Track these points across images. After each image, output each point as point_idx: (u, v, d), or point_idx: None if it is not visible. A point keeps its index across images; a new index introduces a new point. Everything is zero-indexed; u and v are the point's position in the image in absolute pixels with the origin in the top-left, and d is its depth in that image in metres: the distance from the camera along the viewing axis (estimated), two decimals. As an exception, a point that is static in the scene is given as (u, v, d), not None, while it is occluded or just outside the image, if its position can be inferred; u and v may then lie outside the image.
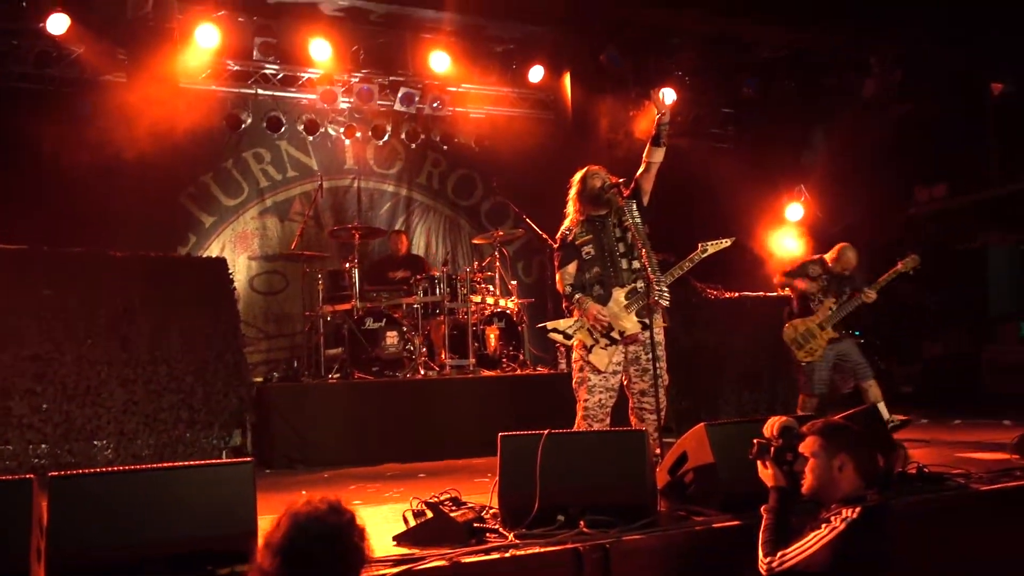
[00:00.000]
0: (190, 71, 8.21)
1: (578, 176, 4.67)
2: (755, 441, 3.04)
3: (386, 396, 6.67)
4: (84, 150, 7.42)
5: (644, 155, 4.63)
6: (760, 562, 2.85)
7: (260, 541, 2.07)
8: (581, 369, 4.50)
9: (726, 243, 4.64)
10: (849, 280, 6.51)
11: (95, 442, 5.48)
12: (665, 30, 9.20)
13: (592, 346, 4.45)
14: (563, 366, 7.31)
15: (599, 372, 4.43)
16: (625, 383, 4.55)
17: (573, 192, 4.66)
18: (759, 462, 3.02)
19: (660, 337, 4.45)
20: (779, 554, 2.79)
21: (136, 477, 2.93)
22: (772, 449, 2.98)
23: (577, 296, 4.50)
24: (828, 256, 6.60)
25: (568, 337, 4.53)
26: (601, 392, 4.44)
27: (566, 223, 4.70)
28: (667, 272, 4.57)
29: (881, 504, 2.83)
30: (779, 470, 2.96)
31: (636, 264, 4.50)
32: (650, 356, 4.36)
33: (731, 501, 3.50)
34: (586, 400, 4.45)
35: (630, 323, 4.43)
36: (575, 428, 4.48)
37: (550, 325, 4.63)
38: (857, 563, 2.67)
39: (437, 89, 9.20)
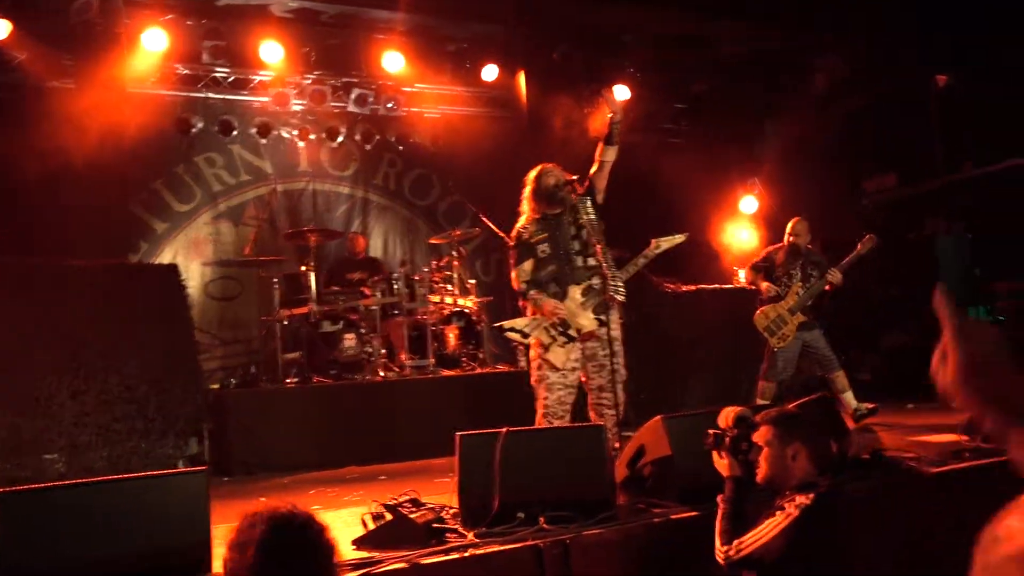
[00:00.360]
0: (138, 76, 8.06)
1: (532, 175, 4.68)
2: (710, 432, 3.07)
3: (345, 399, 6.62)
4: (30, 158, 7.23)
5: (597, 154, 4.65)
6: (717, 551, 2.89)
7: (230, 542, 2.01)
8: (540, 367, 4.51)
9: (680, 239, 4.68)
10: (815, 264, 6.61)
11: (45, 456, 5.36)
12: (617, 27, 9.25)
13: (550, 344, 4.46)
14: (523, 363, 7.30)
15: (557, 369, 4.44)
16: (583, 379, 4.56)
17: (527, 191, 4.68)
18: (714, 452, 3.05)
19: (616, 332, 4.48)
20: (735, 542, 2.82)
21: (84, 490, 2.87)
22: (727, 439, 3.01)
23: (532, 293, 4.51)
24: (786, 238, 6.70)
25: (525, 336, 4.54)
26: (560, 389, 4.46)
27: (521, 221, 4.71)
28: (622, 268, 4.59)
29: (833, 490, 2.88)
30: (734, 460, 2.99)
31: (591, 262, 4.53)
32: (607, 352, 4.39)
33: (689, 492, 3.54)
34: (546, 398, 4.46)
35: (587, 320, 4.45)
36: (536, 426, 4.49)
37: (507, 324, 4.63)
38: (812, 548, 2.71)
39: (391, 89, 9.16)
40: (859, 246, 6.53)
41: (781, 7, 8.83)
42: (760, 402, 6.32)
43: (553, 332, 4.47)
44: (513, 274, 4.65)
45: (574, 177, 4.58)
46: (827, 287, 6.50)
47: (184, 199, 8.68)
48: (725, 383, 7.56)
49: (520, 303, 4.68)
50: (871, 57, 9.57)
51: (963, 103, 9.62)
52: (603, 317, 4.44)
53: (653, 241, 4.64)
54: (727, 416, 3.10)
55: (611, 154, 4.62)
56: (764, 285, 6.57)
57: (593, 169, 4.66)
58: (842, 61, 9.70)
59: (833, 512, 2.82)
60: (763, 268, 6.71)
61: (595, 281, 4.50)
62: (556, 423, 4.42)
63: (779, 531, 2.71)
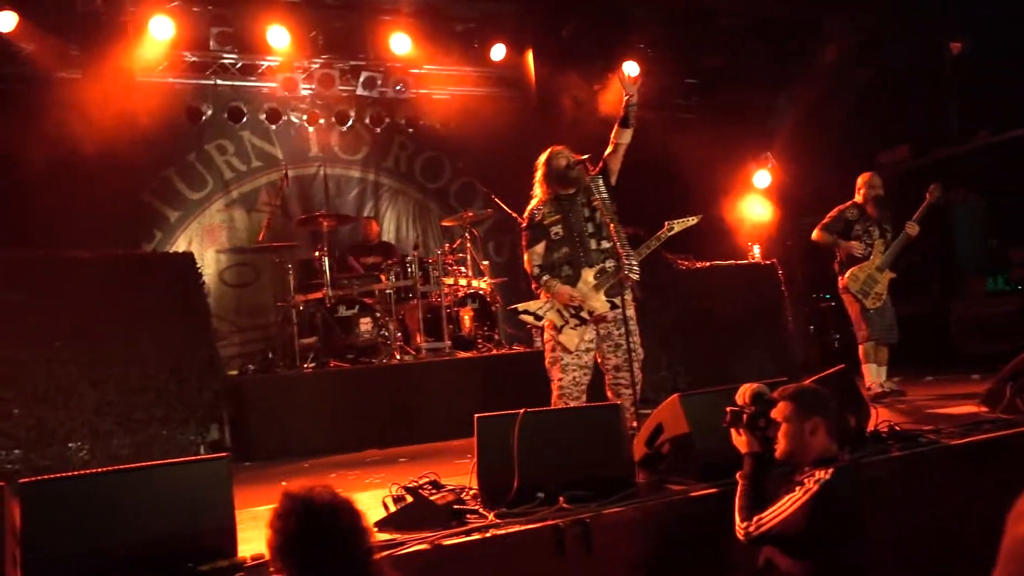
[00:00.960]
0: (146, 64, 8.07)
1: (543, 158, 4.66)
2: (727, 409, 3.07)
3: (363, 383, 6.65)
4: (41, 149, 7.27)
5: (612, 135, 4.63)
6: (737, 527, 2.89)
7: (272, 519, 2.05)
8: (553, 349, 4.51)
9: (693, 221, 4.66)
10: (883, 218, 6.42)
11: (69, 444, 5.42)
12: (625, 1, 9.16)
13: (562, 326, 4.47)
14: (538, 344, 7.33)
15: (571, 351, 4.45)
16: (599, 360, 4.57)
17: (539, 174, 4.66)
18: (732, 429, 3.05)
19: (631, 312, 4.48)
20: (755, 519, 2.83)
21: (108, 479, 2.89)
22: (745, 416, 3.01)
23: (545, 278, 4.50)
24: (857, 195, 6.48)
25: (539, 319, 4.55)
26: (575, 370, 4.46)
27: (534, 202, 4.69)
28: (636, 249, 4.58)
29: (852, 464, 2.88)
30: (752, 436, 3.00)
31: (605, 244, 4.52)
32: (621, 331, 4.39)
33: (708, 469, 3.54)
34: (560, 379, 4.47)
35: (599, 303, 4.46)
36: (551, 407, 4.50)
37: (520, 307, 4.64)
38: (831, 523, 2.71)
39: (399, 72, 9.13)
40: (928, 195, 6.31)
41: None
42: (866, 364, 6.27)
43: (566, 314, 4.47)
44: (526, 256, 4.64)
45: (585, 156, 4.56)
46: (907, 239, 6.32)
47: (196, 187, 8.71)
48: (742, 359, 7.55)
49: (533, 286, 4.68)
50: (882, 26, 9.45)
51: (977, 71, 9.48)
52: (616, 300, 4.44)
53: (666, 223, 4.63)
54: (744, 393, 3.09)
55: (626, 136, 4.59)
56: (852, 244, 6.31)
57: (608, 151, 4.64)
58: (852, 30, 9.57)
59: (853, 487, 2.82)
60: (839, 228, 6.43)
61: (608, 264, 4.50)
62: (572, 404, 4.43)
63: (799, 506, 2.72)
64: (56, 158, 7.28)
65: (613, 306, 4.43)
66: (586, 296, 4.45)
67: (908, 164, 10.26)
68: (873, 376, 6.24)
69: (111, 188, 7.69)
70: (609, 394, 4.56)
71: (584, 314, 4.45)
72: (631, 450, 3.69)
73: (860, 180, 6.49)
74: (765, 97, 10.30)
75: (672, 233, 4.62)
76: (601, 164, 4.62)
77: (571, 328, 4.45)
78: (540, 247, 4.58)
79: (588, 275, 4.48)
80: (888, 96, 10.00)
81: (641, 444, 3.90)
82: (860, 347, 6.35)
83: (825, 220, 6.54)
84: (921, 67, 9.89)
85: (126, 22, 7.74)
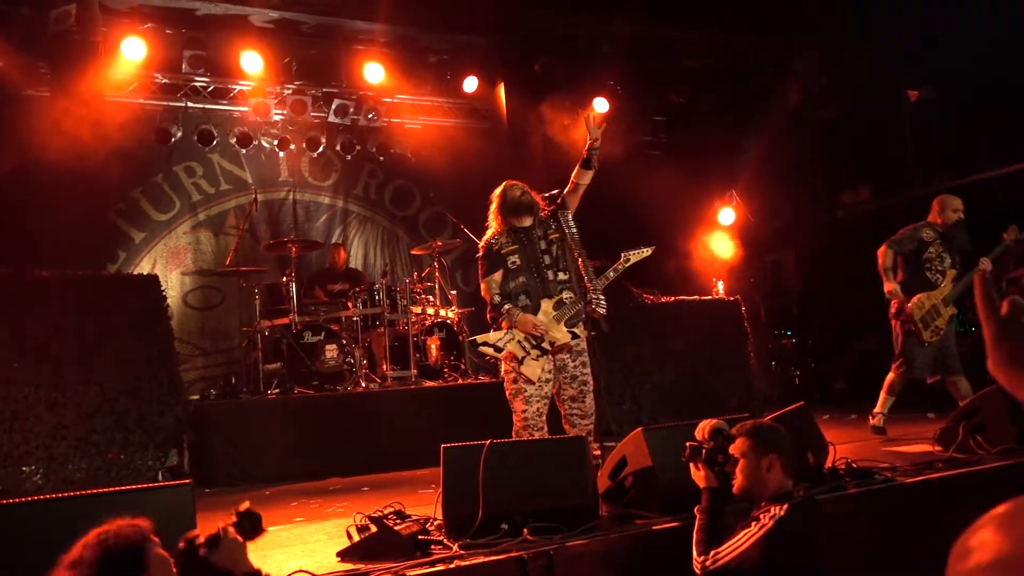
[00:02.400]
0: (117, 84, 8.05)
1: (497, 191, 4.71)
2: (687, 444, 3.12)
3: (327, 410, 6.60)
4: (5, 165, 7.19)
5: (573, 175, 4.68)
6: (695, 561, 2.93)
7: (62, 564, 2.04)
8: (515, 381, 4.51)
9: (647, 252, 4.72)
10: (958, 246, 5.95)
11: (23, 468, 5.31)
12: (594, 37, 9.34)
13: (524, 357, 4.48)
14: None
15: (533, 383, 4.46)
16: (554, 392, 4.59)
17: (493, 207, 4.70)
18: (691, 464, 3.10)
19: (583, 345, 4.55)
20: (712, 553, 2.87)
21: (67, 504, 2.85)
22: (704, 451, 3.06)
23: (506, 307, 4.51)
24: (935, 216, 5.98)
25: (499, 350, 4.54)
26: (538, 401, 4.48)
27: (489, 233, 4.73)
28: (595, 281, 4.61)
29: (808, 500, 2.93)
30: (710, 471, 3.04)
31: (562, 275, 4.58)
32: (577, 363, 4.46)
33: (671, 503, 3.58)
34: (524, 411, 4.47)
35: (560, 333, 4.49)
36: (513, 439, 4.50)
37: (479, 339, 4.63)
38: (786, 558, 2.76)
39: (372, 100, 9.19)
40: (1005, 236, 5.85)
41: (755, 16, 8.97)
42: (883, 395, 5.95)
43: (526, 345, 4.49)
44: (484, 285, 4.66)
45: (548, 194, 4.64)
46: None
47: (163, 208, 8.66)
48: (705, 393, 7.63)
49: (489, 315, 4.68)
50: (844, 70, 9.74)
51: (936, 116, 9.80)
52: (576, 331, 4.50)
53: (623, 254, 4.68)
54: (704, 428, 3.15)
55: (586, 178, 4.65)
56: (891, 287, 5.83)
57: (567, 189, 4.70)
58: (812, 72, 9.86)
59: (808, 522, 2.87)
60: (911, 248, 5.90)
61: (566, 295, 4.55)
62: (536, 435, 4.44)
63: (753, 542, 2.76)
64: (22, 176, 7.20)
65: (574, 336, 4.48)
66: (547, 326, 4.48)
67: (869, 205, 10.52)
68: (884, 407, 5.97)
69: (76, 207, 7.60)
70: (566, 426, 4.58)
71: (545, 344, 4.48)
72: (595, 482, 3.72)
73: (939, 202, 5.99)
74: (730, 135, 10.53)
75: (628, 264, 4.67)
76: (560, 201, 4.68)
77: (532, 359, 4.47)
78: (498, 275, 4.59)
79: (547, 306, 4.52)
80: (850, 138, 10.28)
81: (605, 476, 3.93)
82: (891, 374, 5.96)
83: (895, 236, 6.00)
84: (881, 111, 10.20)
85: (98, 42, 7.71)
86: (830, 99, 10.07)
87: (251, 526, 2.36)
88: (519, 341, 4.49)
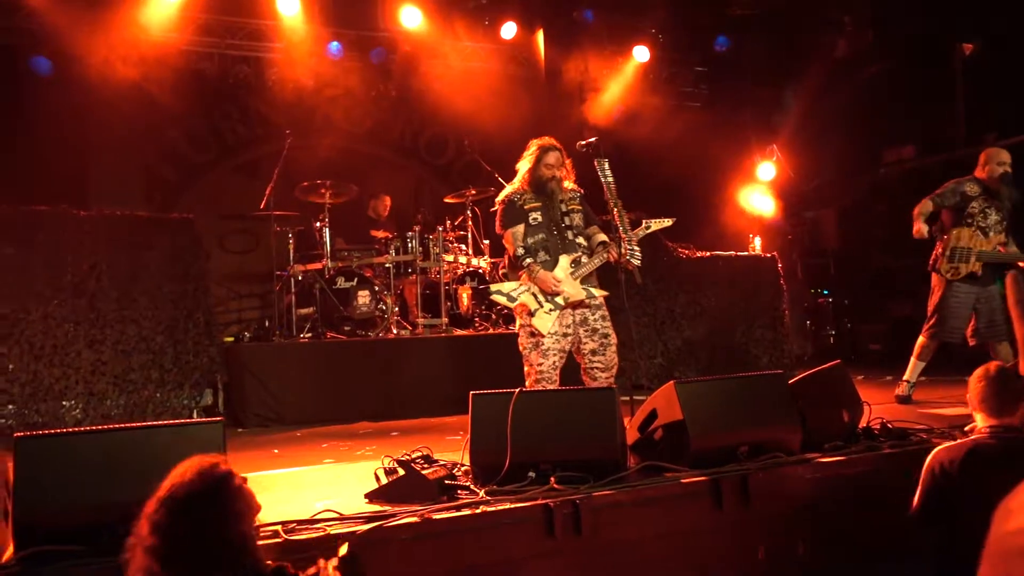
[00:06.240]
0: (155, 25, 8.01)
1: (533, 149, 4.62)
2: None
3: (358, 355, 6.66)
4: (46, 108, 7.23)
5: (600, 234, 4.62)
6: None
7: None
8: (532, 334, 4.50)
9: (667, 223, 4.65)
10: (1006, 199, 5.67)
11: (64, 402, 5.44)
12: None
13: (536, 310, 4.46)
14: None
15: (550, 335, 4.44)
16: (573, 347, 4.56)
17: (527, 164, 4.63)
18: None
19: (602, 300, 4.52)
20: None
21: (103, 437, 2.89)
22: None
23: (528, 261, 4.49)
24: (980, 170, 5.71)
25: (512, 300, 4.52)
26: (555, 355, 4.47)
27: (515, 184, 4.67)
28: (610, 246, 4.54)
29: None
30: None
31: (580, 240, 4.55)
32: (597, 316, 4.43)
33: (700, 457, 3.56)
34: (540, 364, 4.45)
35: (575, 290, 4.47)
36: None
37: (494, 287, 4.63)
38: None
39: (408, 45, 9.06)
40: None
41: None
42: (913, 361, 5.80)
43: (541, 298, 4.47)
44: (506, 234, 4.62)
45: (591, 140, 4.56)
46: (1021, 263, 5.62)
47: (200, 151, 8.67)
48: (738, 350, 7.58)
49: (501, 266, 4.67)
50: (893, 23, 9.41)
51: (988, 72, 9.44)
52: (591, 288, 4.47)
53: (644, 221, 4.61)
54: None
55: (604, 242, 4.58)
56: (921, 227, 5.58)
57: (594, 226, 4.65)
58: (865, 26, 9.54)
59: None
60: (954, 202, 5.67)
61: (583, 256, 4.52)
62: (549, 387, 4.43)
63: None
64: (62, 118, 7.23)
65: (589, 294, 4.46)
66: (563, 283, 4.45)
67: (913, 164, 10.24)
68: (912, 374, 5.82)
69: (114, 148, 7.66)
70: (585, 379, 4.56)
71: (559, 299, 4.45)
72: (623, 434, 3.70)
73: (986, 155, 5.72)
74: (773, 89, 10.27)
75: (648, 231, 4.61)
76: (598, 148, 4.57)
77: (545, 312, 4.45)
78: (520, 228, 4.57)
79: (565, 262, 4.49)
80: (896, 95, 9.97)
81: (634, 429, 3.92)
82: (921, 337, 5.80)
83: (939, 190, 5.76)
84: (931, 67, 9.86)
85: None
86: (879, 54, 9.74)
87: (352, 572, 2.33)
88: (533, 294, 4.47)
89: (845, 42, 9.92)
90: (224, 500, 2.09)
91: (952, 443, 2.95)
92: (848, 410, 4.11)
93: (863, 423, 4.21)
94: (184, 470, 2.12)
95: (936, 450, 2.94)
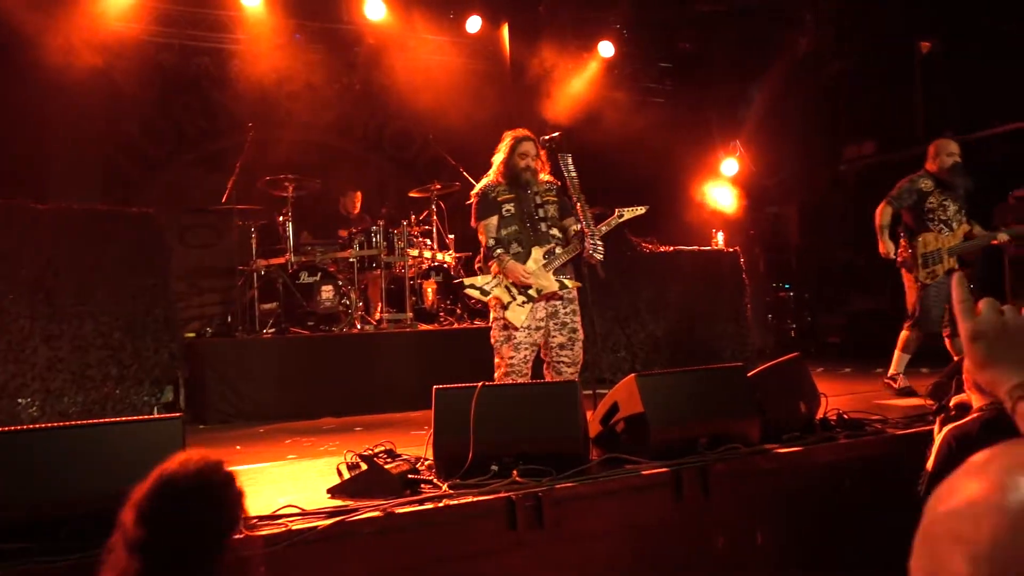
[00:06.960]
0: (114, 15, 7.86)
1: (507, 142, 4.63)
2: None
3: (322, 350, 6.63)
4: (3, 99, 7.06)
5: (572, 224, 4.61)
6: None
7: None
8: (504, 327, 4.51)
9: (640, 210, 4.68)
10: (960, 189, 5.66)
11: (19, 400, 5.33)
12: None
13: (509, 303, 4.47)
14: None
15: (523, 328, 4.46)
16: (542, 341, 4.58)
17: (501, 156, 4.64)
18: None
19: (574, 294, 4.54)
20: None
21: (59, 434, 2.85)
22: None
23: (499, 252, 4.50)
24: (930, 163, 5.72)
25: (485, 294, 4.54)
26: (526, 348, 4.48)
27: (491, 177, 4.69)
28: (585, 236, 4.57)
29: None
30: None
31: (555, 231, 4.56)
32: (568, 310, 4.46)
33: (660, 449, 3.60)
34: (512, 358, 4.46)
35: (548, 281, 4.49)
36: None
37: (467, 281, 4.64)
38: None
39: (372, 38, 9.00)
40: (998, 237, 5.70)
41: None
42: (898, 354, 5.75)
43: (514, 291, 4.48)
44: (479, 226, 4.63)
45: (544, 140, 4.59)
46: (994, 242, 5.68)
47: (159, 143, 8.54)
48: (701, 343, 7.66)
49: (477, 263, 4.68)
50: (854, 20, 9.55)
51: (945, 69, 9.63)
52: (565, 280, 4.49)
53: (616, 210, 4.65)
54: None
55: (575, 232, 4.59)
56: (886, 243, 5.62)
57: (571, 217, 4.64)
58: (826, 24, 9.66)
59: None
60: (911, 201, 5.65)
61: (557, 248, 4.54)
62: (520, 381, 4.44)
63: None
64: (19, 109, 7.07)
65: (562, 285, 4.49)
66: (535, 275, 4.47)
67: (873, 160, 10.42)
68: (900, 366, 5.77)
69: (73, 141, 7.51)
70: (548, 373, 4.58)
71: (532, 292, 4.47)
72: (586, 427, 3.73)
73: (934, 146, 5.73)
74: (736, 85, 10.37)
75: (621, 220, 4.64)
76: (560, 143, 4.59)
77: (518, 305, 4.46)
78: (494, 220, 4.58)
79: (538, 254, 4.51)
80: (856, 92, 10.13)
81: (596, 422, 3.94)
82: (904, 331, 5.76)
83: (893, 191, 5.75)
84: (890, 64, 10.03)
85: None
86: (839, 51, 9.88)
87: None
88: (506, 286, 4.49)
89: (806, 40, 10.04)
90: (223, 502, 1.97)
91: (960, 422, 2.98)
92: (806, 401, 4.18)
93: (820, 414, 4.29)
94: (185, 459, 1.97)
95: (948, 427, 2.96)
